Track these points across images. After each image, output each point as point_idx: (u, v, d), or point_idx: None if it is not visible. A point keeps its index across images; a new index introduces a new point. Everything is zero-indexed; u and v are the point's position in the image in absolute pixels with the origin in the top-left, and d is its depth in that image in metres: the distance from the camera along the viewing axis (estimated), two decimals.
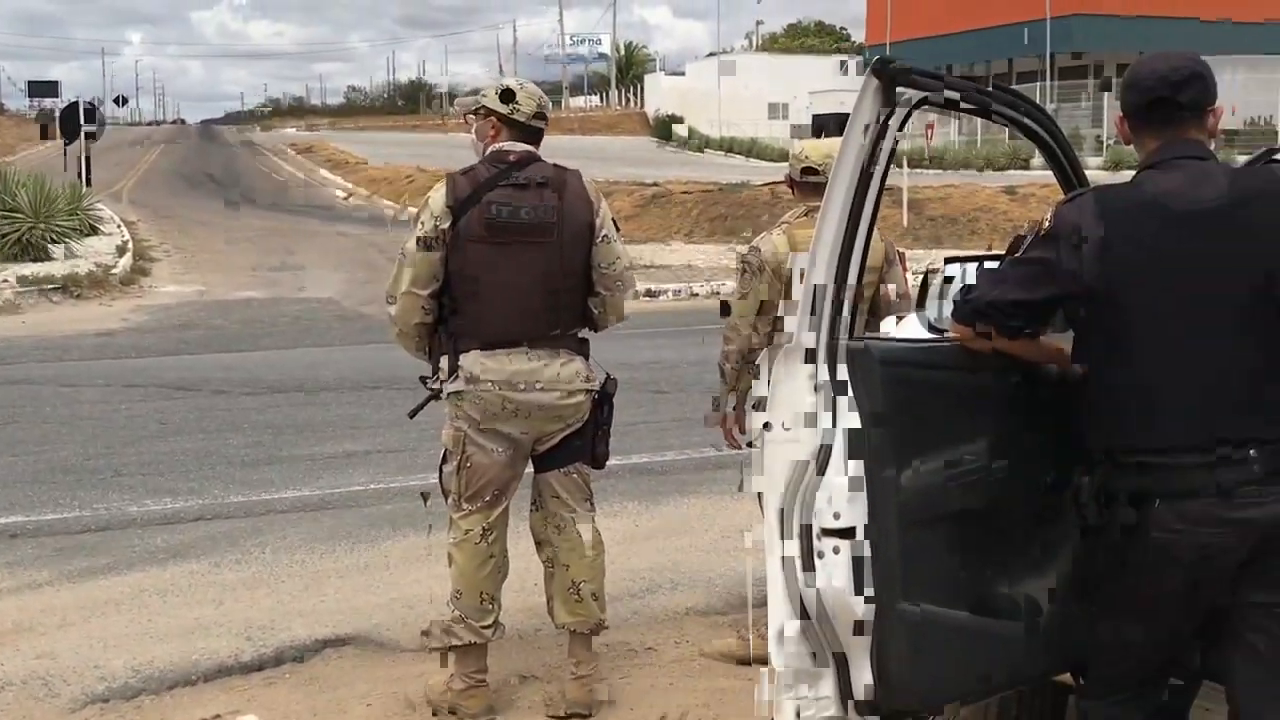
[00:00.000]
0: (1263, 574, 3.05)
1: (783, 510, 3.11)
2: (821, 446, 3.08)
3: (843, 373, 3.09)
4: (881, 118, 3.02)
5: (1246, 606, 3.10)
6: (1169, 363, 3.07)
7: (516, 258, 4.65)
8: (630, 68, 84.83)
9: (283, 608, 6.03)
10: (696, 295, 19.39)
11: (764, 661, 5.01)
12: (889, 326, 4.44)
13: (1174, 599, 3.14)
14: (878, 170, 3.05)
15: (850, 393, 3.09)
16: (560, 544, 4.89)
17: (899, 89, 3.03)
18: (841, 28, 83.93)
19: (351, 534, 7.23)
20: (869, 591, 3.07)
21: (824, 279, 3.07)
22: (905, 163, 25.66)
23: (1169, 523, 3.04)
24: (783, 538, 3.10)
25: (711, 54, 76.29)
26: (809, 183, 5.23)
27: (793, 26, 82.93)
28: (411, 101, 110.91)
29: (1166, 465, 3.05)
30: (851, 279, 3.09)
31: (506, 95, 4.82)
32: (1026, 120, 3.53)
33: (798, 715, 3.12)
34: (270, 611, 5.98)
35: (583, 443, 4.90)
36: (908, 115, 3.06)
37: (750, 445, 5.23)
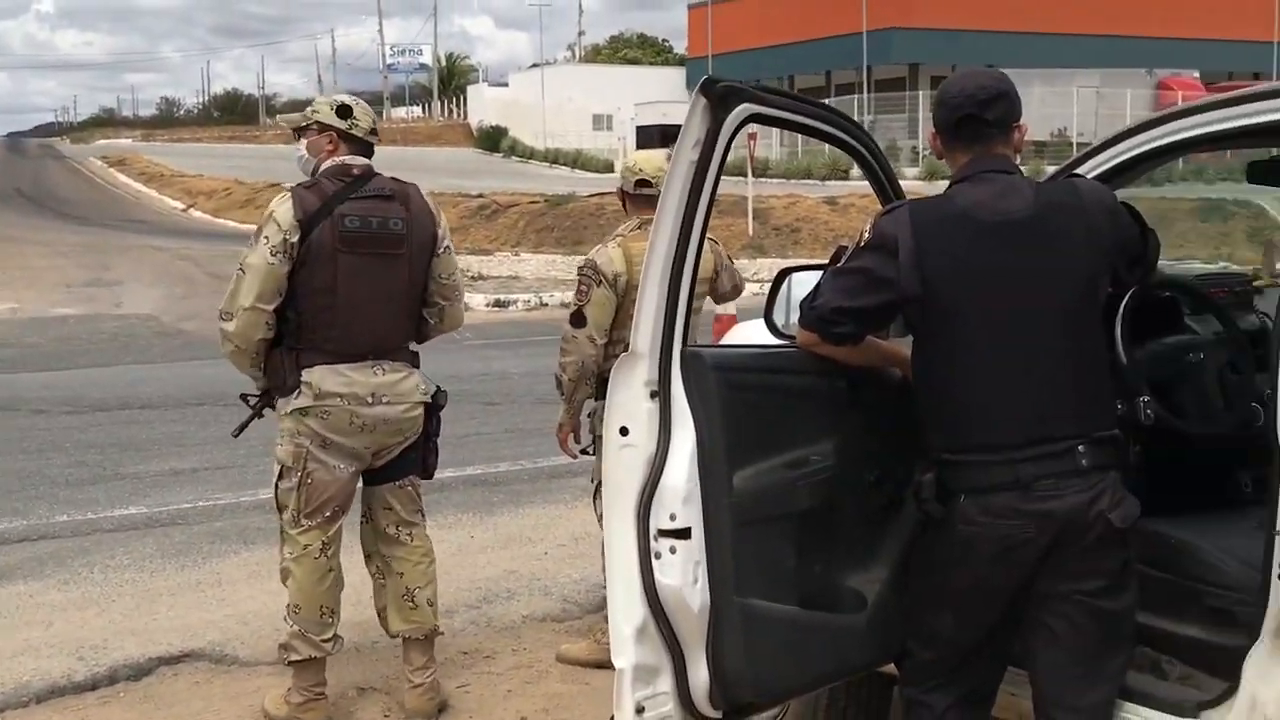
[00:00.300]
0: (1062, 563, 3.20)
1: (624, 513, 3.18)
2: (659, 451, 3.17)
3: (678, 379, 3.18)
4: (710, 133, 3.12)
5: (1047, 594, 3.25)
6: (987, 366, 3.21)
7: (371, 270, 4.67)
8: (452, 78, 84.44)
9: (114, 627, 5.94)
10: (530, 306, 19.44)
11: (605, 665, 5.14)
12: (731, 335, 4.56)
13: (979, 589, 3.28)
14: (707, 184, 3.14)
15: (685, 398, 3.18)
16: (392, 553, 4.92)
17: (727, 105, 3.13)
18: (664, 40, 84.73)
19: (181, 552, 7.14)
20: (704, 589, 3.17)
21: (657, 289, 3.16)
22: (750, 174, 26.01)
23: (973, 516, 3.19)
24: (623, 540, 3.18)
25: (534, 65, 76.44)
26: (642, 195, 5.32)
27: (615, 38, 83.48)
28: (228, 112, 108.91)
29: (974, 462, 3.20)
30: (684, 288, 3.18)
31: (344, 111, 4.84)
32: (845, 136, 3.66)
33: (639, 711, 3.20)
34: (102, 631, 5.88)
35: (415, 455, 4.94)
36: (735, 131, 3.16)
37: (585, 453, 5.35)
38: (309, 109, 4.95)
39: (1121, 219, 3.35)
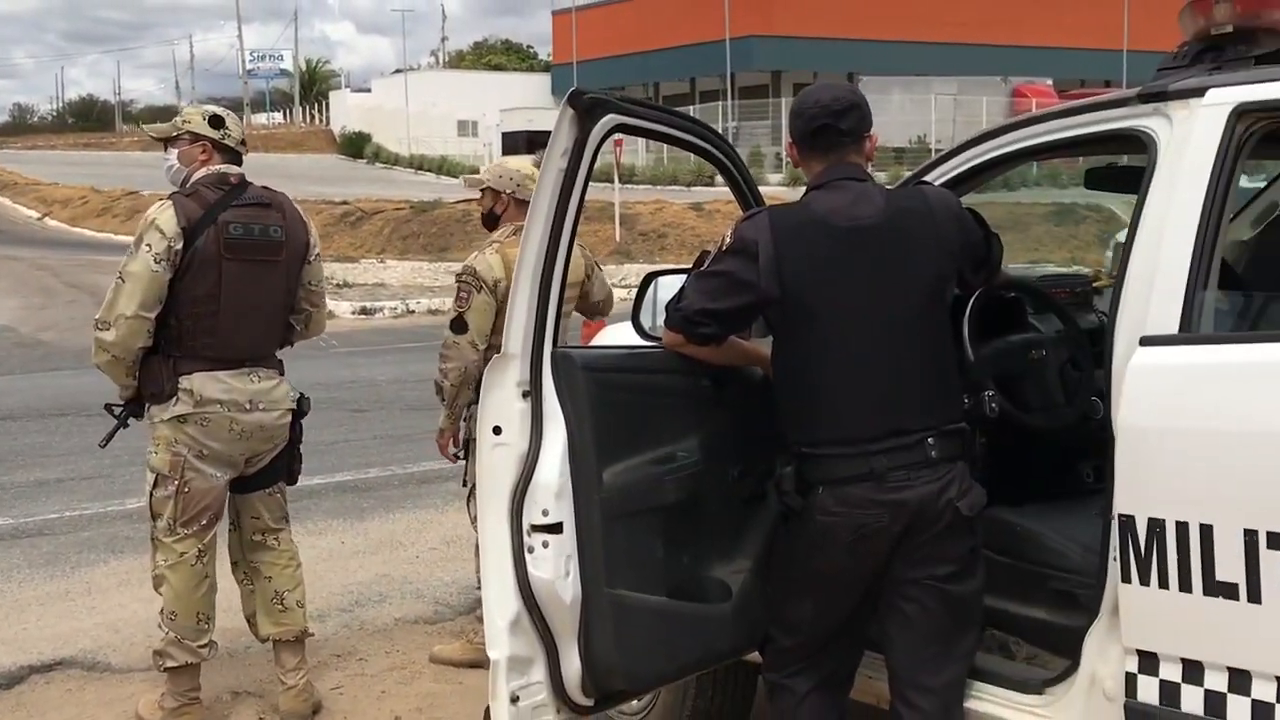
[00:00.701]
0: (914, 550, 3.38)
1: (498, 510, 3.29)
2: (531, 449, 3.29)
3: (549, 379, 3.30)
4: (577, 143, 3.24)
5: (901, 580, 3.42)
6: (842, 364, 3.37)
7: (252, 277, 4.72)
8: (314, 84, 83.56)
9: None
10: (397, 313, 19.38)
11: (478, 665, 5.24)
12: (601, 337, 4.68)
13: (838, 576, 3.44)
14: (575, 191, 3.27)
15: (556, 398, 3.30)
16: (260, 559, 4.98)
17: (594, 116, 3.26)
18: (529, 45, 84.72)
19: (49, 561, 7.08)
20: (575, 582, 3.29)
21: (528, 292, 3.27)
22: (616, 180, 26.17)
23: (830, 507, 3.35)
24: (497, 535, 3.30)
25: (398, 71, 75.94)
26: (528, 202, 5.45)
27: (479, 44, 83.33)
28: (83, 119, 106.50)
29: (831, 456, 3.36)
30: (554, 291, 3.30)
31: (216, 121, 4.88)
32: (706, 145, 3.80)
33: (514, 701, 3.31)
34: None
35: (282, 462, 5.01)
36: (602, 141, 3.29)
37: (458, 459, 5.44)
38: (178, 119, 4.97)
39: (967, 224, 3.53)
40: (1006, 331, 4.10)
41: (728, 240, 3.46)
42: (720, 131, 4.06)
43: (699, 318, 3.46)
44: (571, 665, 3.36)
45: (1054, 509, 3.96)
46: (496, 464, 3.32)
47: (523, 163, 5.66)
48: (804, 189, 3.61)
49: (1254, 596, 2.93)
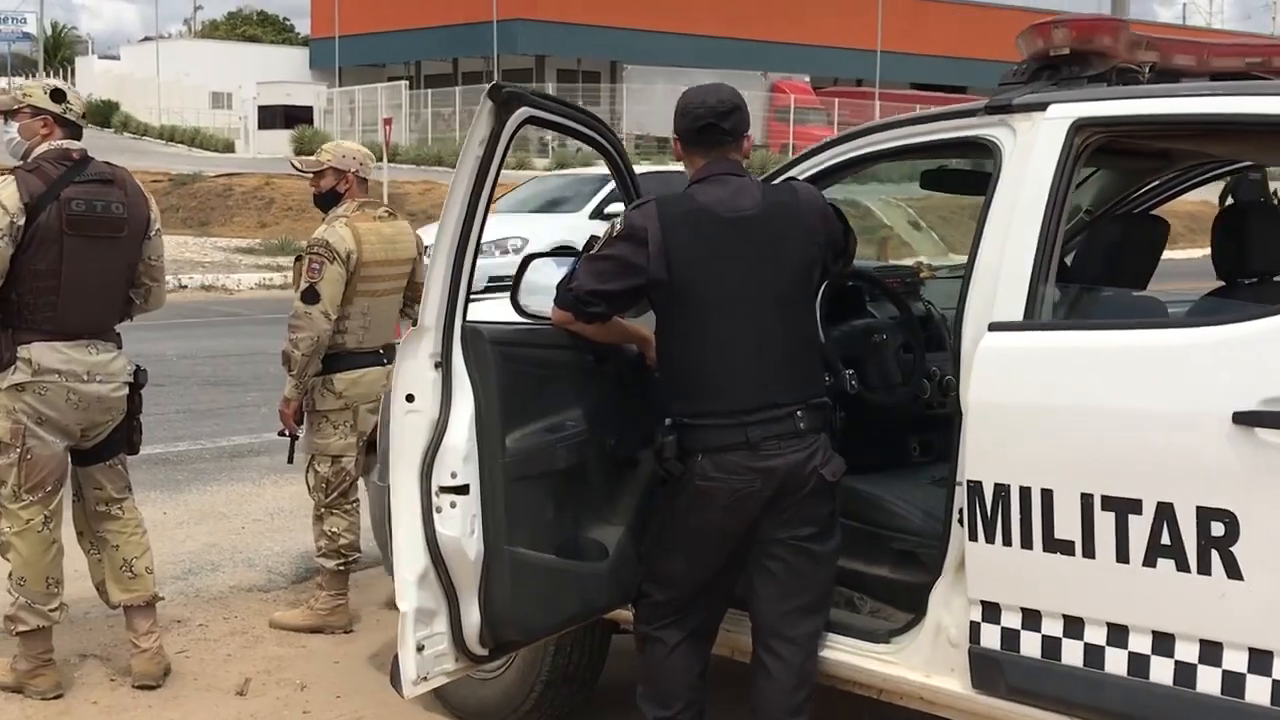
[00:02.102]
0: (781, 512, 3.73)
1: (409, 472, 3.52)
2: (441, 416, 3.52)
3: (459, 351, 3.54)
4: (493, 133, 3.49)
5: (768, 540, 3.77)
6: (721, 342, 3.69)
7: (94, 253, 4.79)
8: (59, 49, 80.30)
9: None
10: (169, 288, 18.94)
11: (320, 630, 5.43)
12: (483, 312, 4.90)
13: (711, 535, 3.77)
14: (490, 176, 3.52)
15: (465, 369, 3.54)
16: (106, 529, 5.06)
17: (510, 108, 3.51)
18: (285, 18, 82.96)
19: None
20: (479, 540, 3.55)
21: (444, 269, 3.51)
22: (385, 159, 26.00)
23: (708, 472, 3.67)
24: (408, 496, 3.52)
25: (148, 38, 73.57)
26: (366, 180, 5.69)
27: (234, 14, 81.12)
28: None
29: (710, 426, 3.68)
30: (467, 270, 3.54)
31: (58, 95, 4.93)
32: (601, 139, 4.09)
33: (419, 649, 3.55)
34: None
35: (122, 434, 5.09)
36: (516, 130, 3.54)
37: (284, 434, 5.58)
38: (18, 92, 4.99)
39: (830, 217, 3.89)
40: (850, 317, 4.50)
41: (618, 227, 3.75)
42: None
43: (589, 298, 3.74)
44: (471, 617, 3.62)
45: (891, 478, 4.37)
46: (409, 430, 3.55)
47: (356, 144, 5.88)
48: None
49: (1088, 552, 3.36)
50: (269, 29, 79.14)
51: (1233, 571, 3.14)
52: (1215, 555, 3.16)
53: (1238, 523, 3.12)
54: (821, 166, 4.18)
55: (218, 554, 6.70)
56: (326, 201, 5.72)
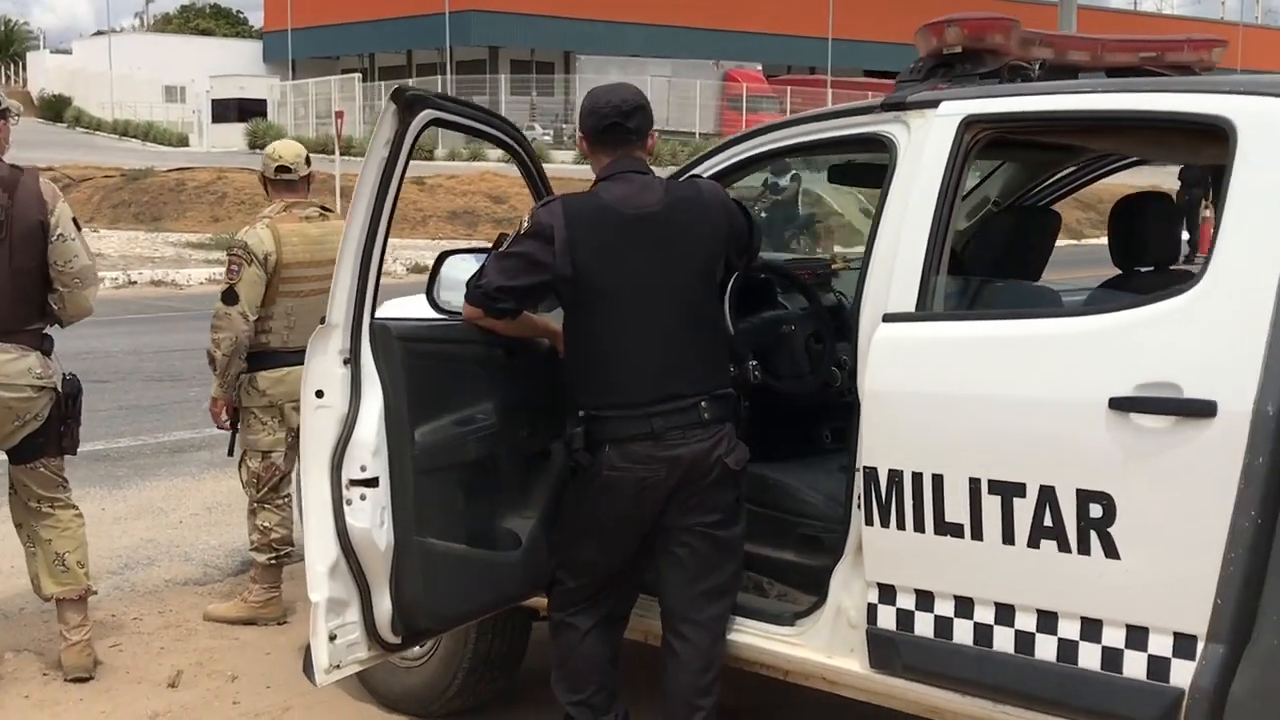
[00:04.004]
0: (686, 500, 3.84)
1: (319, 465, 3.62)
2: (350, 411, 3.62)
3: (367, 348, 3.64)
4: (398, 135, 3.59)
5: (675, 527, 3.89)
6: (629, 336, 3.79)
7: None
8: (10, 44, 79.65)
9: None
10: (119, 284, 18.93)
11: (253, 622, 5.50)
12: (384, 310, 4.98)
13: (620, 523, 3.88)
14: (395, 176, 3.61)
15: (373, 365, 3.64)
16: (39, 524, 5.12)
17: (413, 110, 3.61)
18: (238, 11, 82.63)
19: None
20: (389, 531, 3.65)
21: (351, 267, 3.60)
22: (338, 152, 25.93)
23: (615, 462, 3.78)
24: (319, 489, 3.62)
25: (100, 32, 73.12)
26: (283, 180, 5.72)
27: (186, 8, 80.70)
28: None
29: (616, 417, 3.79)
30: (374, 267, 3.63)
31: None
32: (507, 139, 4.18)
33: (332, 639, 3.65)
34: None
35: (46, 439, 5.07)
36: (420, 132, 3.64)
37: (225, 427, 5.65)
38: None
39: (734, 213, 4.00)
40: (761, 309, 4.61)
41: (525, 225, 3.85)
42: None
43: (498, 294, 3.84)
44: (383, 606, 3.72)
45: (800, 465, 4.48)
46: (319, 425, 3.64)
47: (288, 144, 5.95)
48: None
49: (976, 534, 3.48)
50: (222, 22, 78.80)
51: (1110, 551, 3.27)
52: (1094, 536, 3.29)
53: (1114, 504, 3.25)
54: (726, 163, 4.29)
55: (154, 549, 6.76)
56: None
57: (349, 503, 3.62)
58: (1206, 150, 3.39)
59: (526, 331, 4.06)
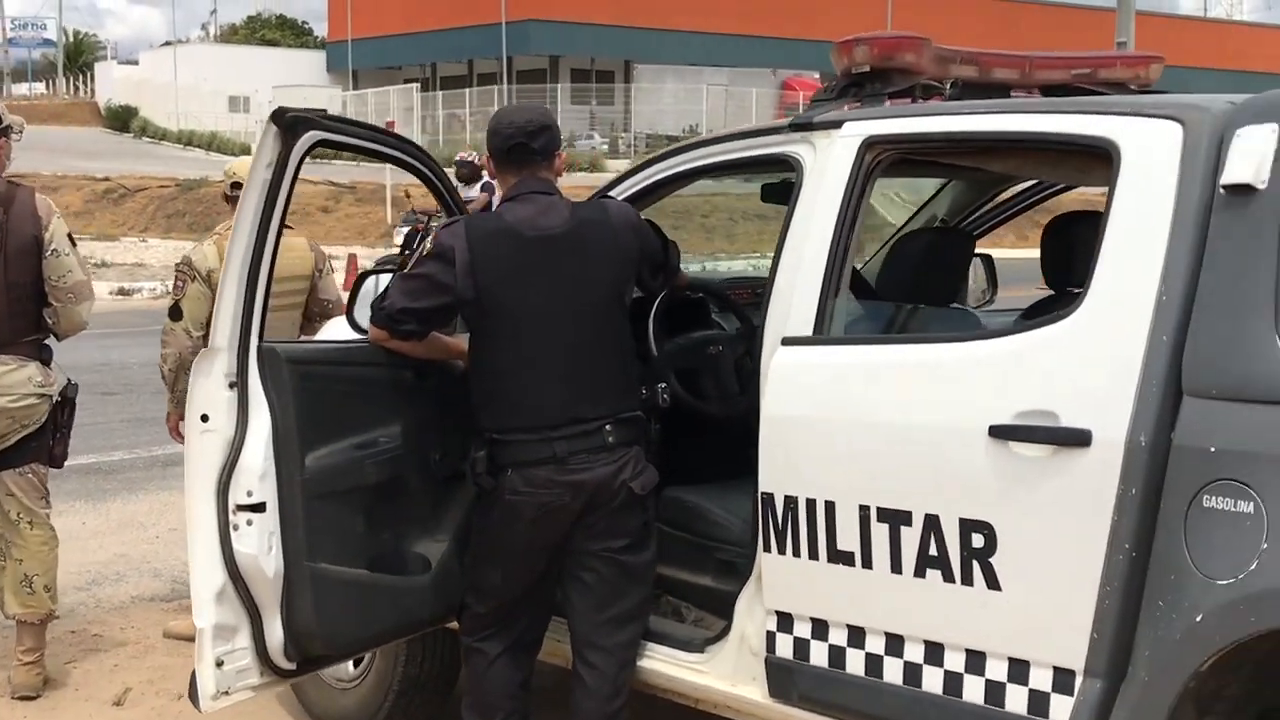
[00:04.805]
0: (592, 525, 3.80)
1: (205, 490, 3.61)
2: (237, 435, 3.61)
3: (255, 371, 3.62)
4: (281, 157, 3.57)
5: (581, 552, 3.85)
6: (529, 358, 3.76)
7: None
8: (80, 55, 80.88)
9: None
10: (156, 294, 19.18)
11: None
12: (325, 330, 4.99)
13: (524, 548, 3.84)
14: (280, 198, 3.60)
15: (261, 388, 3.63)
16: (13, 539, 5.15)
17: (296, 132, 3.59)
18: (304, 22, 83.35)
19: None
20: (278, 556, 3.63)
21: (235, 289, 3.59)
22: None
23: (517, 487, 3.74)
24: (204, 514, 3.61)
25: (167, 43, 74.05)
26: (237, 197, 5.72)
27: (253, 18, 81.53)
28: None
29: (518, 441, 3.75)
30: (260, 289, 3.62)
31: None
32: (407, 158, 4.15)
33: (219, 665, 3.64)
34: None
35: (39, 444, 5.15)
36: (305, 154, 3.62)
37: (181, 441, 5.66)
38: None
39: (644, 233, 3.96)
40: (691, 329, 4.56)
41: (428, 246, 3.82)
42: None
43: (401, 316, 3.82)
44: (275, 632, 3.70)
45: (725, 489, 4.41)
46: (204, 449, 3.63)
47: (245, 161, 5.91)
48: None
49: (867, 563, 3.42)
50: (287, 33, 79.50)
51: (992, 582, 3.20)
52: (977, 566, 3.22)
53: (995, 535, 3.18)
54: (641, 185, 4.25)
55: (126, 564, 6.80)
56: None
57: (235, 528, 3.60)
58: (1096, 173, 3.31)
59: (437, 353, 4.02)
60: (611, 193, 4.26)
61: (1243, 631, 2.80)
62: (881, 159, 3.66)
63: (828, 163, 3.70)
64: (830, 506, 3.48)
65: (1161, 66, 4.29)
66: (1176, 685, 2.90)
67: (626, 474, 3.80)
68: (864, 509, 3.42)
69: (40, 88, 78.77)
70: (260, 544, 3.60)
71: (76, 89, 73.35)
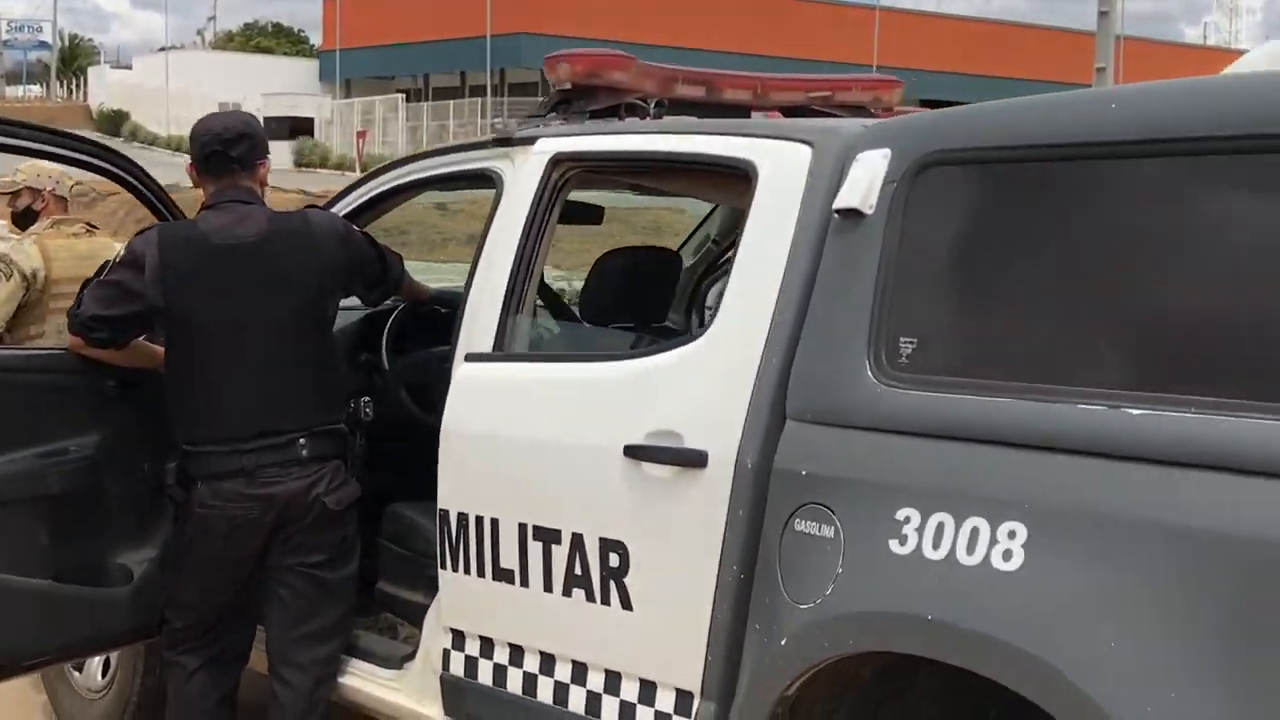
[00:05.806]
0: (287, 540, 3.77)
1: None
2: None
3: None
4: None
5: (276, 567, 3.81)
6: (220, 369, 3.73)
7: None
8: (75, 59, 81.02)
9: None
10: None
11: None
12: None
13: (217, 563, 3.81)
14: None
15: None
16: None
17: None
18: (300, 30, 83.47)
19: None
20: None
21: None
22: (359, 171, 26.14)
23: (207, 500, 3.71)
24: None
25: (162, 49, 74.11)
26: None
27: (249, 25, 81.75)
28: None
29: (208, 453, 3.72)
30: None
31: None
32: (107, 165, 4.11)
33: None
34: None
35: None
36: None
37: None
38: None
39: (353, 245, 3.92)
40: (432, 343, 4.53)
41: (121, 253, 3.81)
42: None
43: (93, 323, 3.78)
44: None
45: None
46: None
47: (54, 165, 5.92)
48: None
49: (524, 582, 3.41)
50: (283, 41, 79.62)
51: (625, 602, 3.19)
52: (614, 586, 3.21)
53: (628, 554, 3.17)
54: (359, 201, 4.24)
55: None
56: (24, 220, 5.81)
57: None
58: (746, 195, 3.29)
59: (142, 361, 3.97)
60: (334, 208, 4.22)
61: (819, 656, 2.78)
62: (569, 176, 3.64)
63: (519, 179, 3.69)
64: (495, 524, 3.47)
65: (901, 91, 4.29)
66: (765, 710, 2.88)
67: (321, 488, 3.77)
68: (522, 527, 3.40)
69: (35, 90, 78.87)
70: None
71: (70, 93, 73.46)
